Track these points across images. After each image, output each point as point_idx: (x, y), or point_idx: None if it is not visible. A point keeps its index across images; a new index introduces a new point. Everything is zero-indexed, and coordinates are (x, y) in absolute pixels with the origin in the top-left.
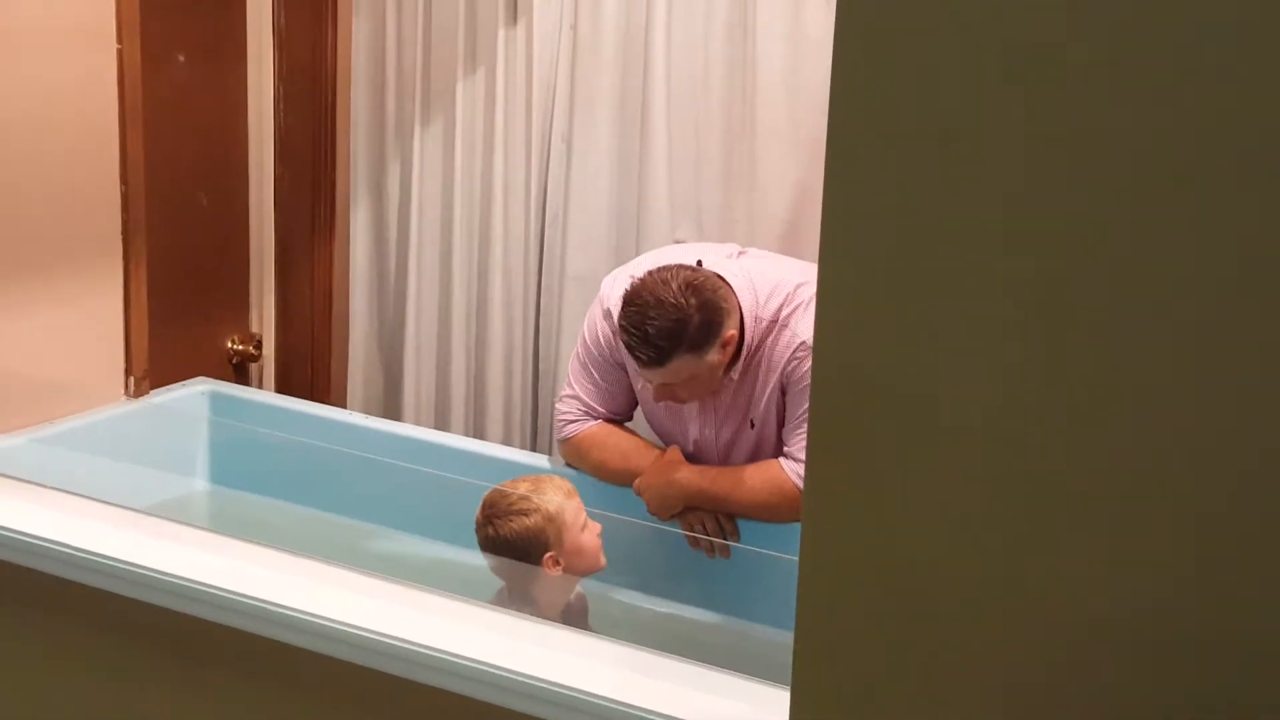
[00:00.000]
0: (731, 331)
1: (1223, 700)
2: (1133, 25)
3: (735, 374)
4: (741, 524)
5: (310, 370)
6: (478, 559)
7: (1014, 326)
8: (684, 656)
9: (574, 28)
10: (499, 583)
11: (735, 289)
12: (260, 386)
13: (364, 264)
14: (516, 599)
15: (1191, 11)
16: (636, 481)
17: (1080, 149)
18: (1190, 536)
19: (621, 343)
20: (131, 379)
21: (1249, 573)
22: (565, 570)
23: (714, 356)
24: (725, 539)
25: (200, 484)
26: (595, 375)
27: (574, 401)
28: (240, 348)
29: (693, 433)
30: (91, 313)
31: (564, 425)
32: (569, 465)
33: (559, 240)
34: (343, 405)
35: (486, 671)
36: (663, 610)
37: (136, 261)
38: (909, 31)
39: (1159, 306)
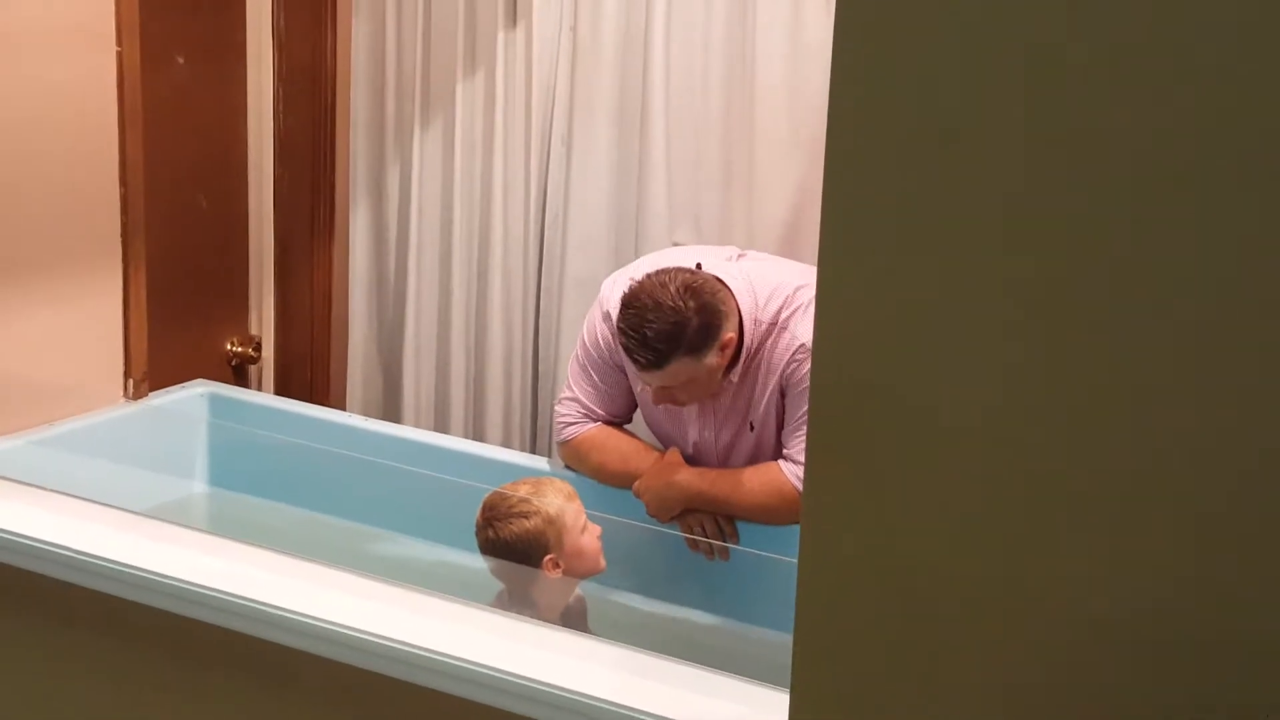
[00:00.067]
0: (730, 334)
1: (1223, 700)
2: (1133, 25)
3: (735, 376)
4: (740, 526)
5: (309, 372)
6: (477, 561)
7: (1014, 327)
8: (683, 659)
9: (574, 29)
10: (499, 585)
11: (734, 292)
12: (259, 388)
13: (363, 266)
14: (516, 601)
15: (1191, 11)
16: (636, 484)
17: (1080, 149)
18: (1190, 536)
19: (620, 345)
20: (130, 381)
21: (1249, 573)
22: (565, 573)
23: (712, 359)
24: (724, 541)
25: (199, 486)
26: (595, 377)
27: (573, 404)
28: (239, 350)
29: (692, 435)
30: (90, 314)
31: (563, 427)
32: (568, 468)
33: (558, 242)
34: (342, 407)
35: (486, 674)
36: (662, 612)
37: (136, 263)
38: (908, 32)
39: (1159, 306)
